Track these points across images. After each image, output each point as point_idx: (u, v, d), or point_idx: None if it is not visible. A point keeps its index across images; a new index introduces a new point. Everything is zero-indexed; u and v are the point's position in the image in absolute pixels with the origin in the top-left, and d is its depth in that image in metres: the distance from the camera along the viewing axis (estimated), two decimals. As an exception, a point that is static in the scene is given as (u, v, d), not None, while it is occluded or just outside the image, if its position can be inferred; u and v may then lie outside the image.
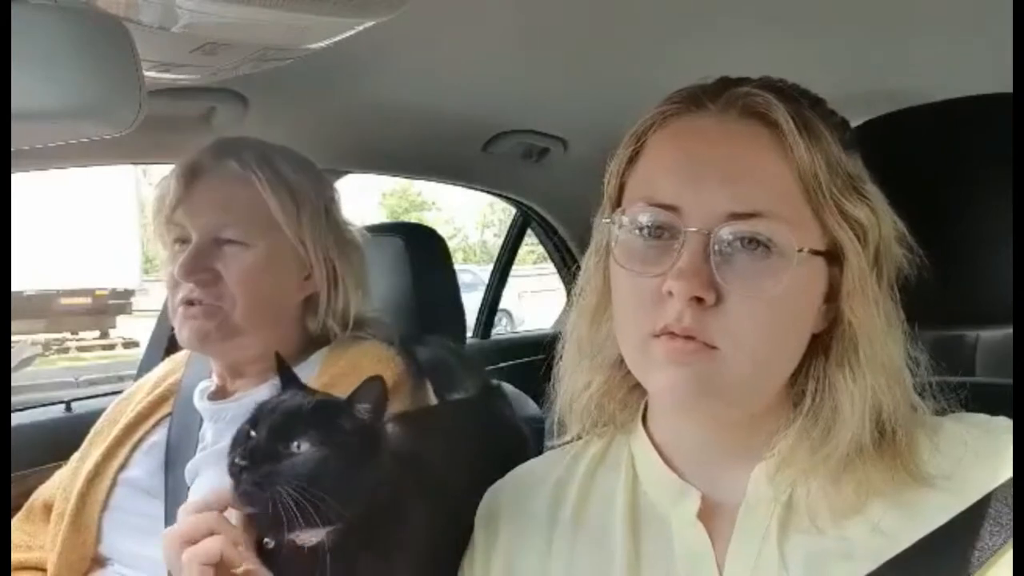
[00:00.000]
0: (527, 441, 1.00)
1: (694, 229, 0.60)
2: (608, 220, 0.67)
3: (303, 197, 1.08)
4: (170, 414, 1.13)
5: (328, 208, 1.12)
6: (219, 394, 1.11)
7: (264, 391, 1.07)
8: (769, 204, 0.60)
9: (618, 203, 0.68)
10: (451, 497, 0.80)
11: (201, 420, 1.09)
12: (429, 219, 18.41)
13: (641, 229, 0.63)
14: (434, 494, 0.80)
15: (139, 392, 1.19)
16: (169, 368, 1.22)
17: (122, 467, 1.09)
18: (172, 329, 1.17)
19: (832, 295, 0.64)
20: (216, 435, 1.06)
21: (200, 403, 1.10)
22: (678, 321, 0.60)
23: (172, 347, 1.28)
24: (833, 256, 0.62)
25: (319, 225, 1.10)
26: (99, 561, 1.05)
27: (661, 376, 0.62)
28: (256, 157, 1.07)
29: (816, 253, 0.61)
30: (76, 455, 1.15)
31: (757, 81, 0.65)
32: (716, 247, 0.60)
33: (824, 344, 0.65)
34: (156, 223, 1.09)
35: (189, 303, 1.04)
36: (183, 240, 1.06)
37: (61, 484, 1.12)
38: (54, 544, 1.06)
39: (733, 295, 0.60)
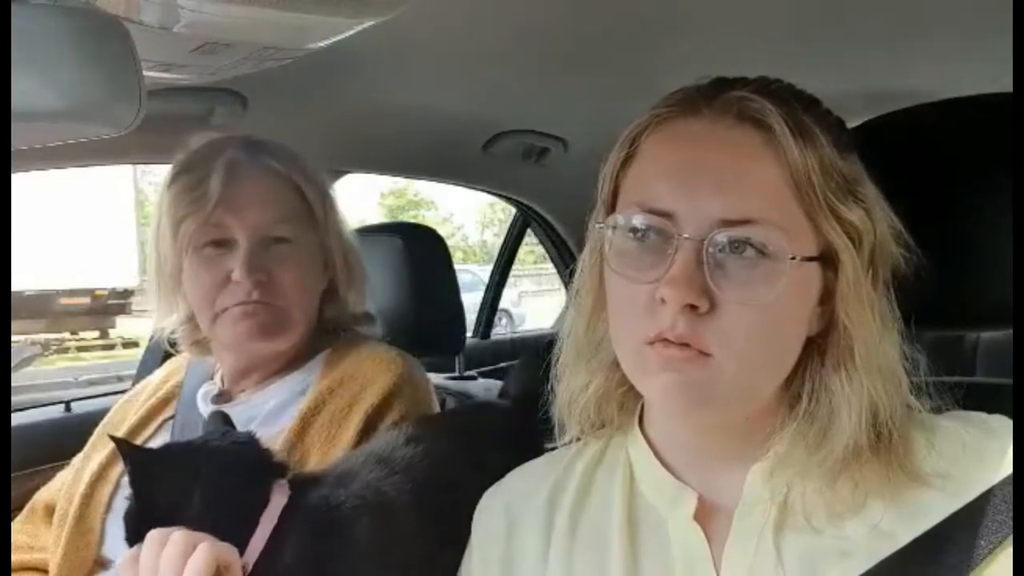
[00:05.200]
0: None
1: (687, 236, 0.60)
2: (602, 225, 0.67)
3: (328, 196, 1.12)
4: (173, 417, 1.13)
5: (335, 203, 1.15)
6: (223, 397, 1.11)
7: (267, 394, 1.08)
8: (762, 210, 0.60)
9: (612, 206, 0.68)
10: (458, 502, 0.80)
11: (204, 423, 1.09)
12: (427, 218, 18.43)
13: (635, 232, 0.63)
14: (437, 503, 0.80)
15: (141, 395, 1.19)
16: (171, 370, 1.21)
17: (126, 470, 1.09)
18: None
19: (826, 298, 0.63)
20: None
21: (204, 406, 1.10)
22: (672, 328, 0.60)
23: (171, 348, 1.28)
24: (827, 260, 0.62)
25: (337, 220, 1.13)
26: (101, 563, 1.05)
27: (656, 383, 0.62)
28: (287, 156, 1.09)
29: (810, 259, 0.61)
30: (78, 457, 1.15)
31: (752, 83, 0.65)
32: (709, 252, 0.60)
33: (819, 347, 0.64)
34: (184, 227, 1.03)
35: (249, 304, 1.02)
36: (220, 242, 1.03)
37: (63, 486, 1.12)
38: (57, 546, 1.06)
39: (726, 302, 0.60)
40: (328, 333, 1.14)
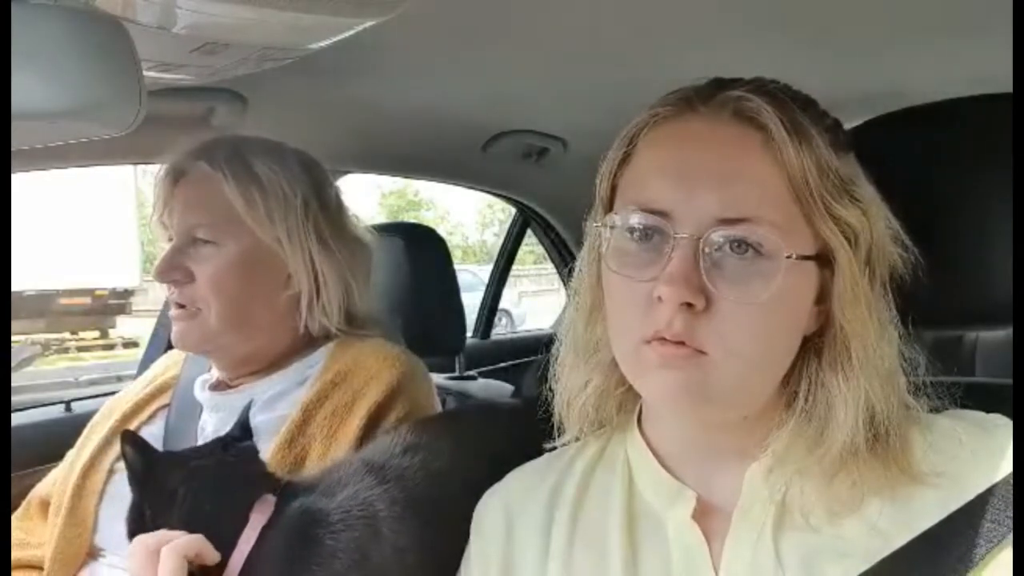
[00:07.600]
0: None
1: (684, 235, 0.60)
2: (599, 224, 0.67)
3: (274, 192, 1.05)
4: (168, 405, 1.13)
5: (309, 202, 1.08)
6: (220, 386, 1.11)
7: (267, 384, 1.08)
8: (759, 209, 0.60)
9: (610, 205, 0.68)
10: (452, 515, 0.79)
11: (200, 411, 1.09)
12: (426, 218, 18.44)
13: (632, 232, 0.63)
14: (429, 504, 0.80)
15: (136, 386, 1.19)
16: (167, 363, 1.22)
17: (119, 457, 1.08)
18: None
19: (823, 297, 0.64)
20: (217, 425, 1.06)
21: (201, 393, 1.10)
22: (669, 327, 0.60)
23: (172, 346, 1.28)
24: (824, 259, 0.62)
25: (295, 220, 1.06)
26: (92, 553, 1.05)
27: (653, 381, 0.63)
28: (228, 154, 1.06)
29: (806, 258, 0.61)
30: (71, 451, 1.15)
31: (749, 83, 0.65)
32: (706, 251, 0.60)
33: (816, 346, 0.65)
34: (154, 225, 1.11)
35: (174, 305, 1.06)
36: (170, 241, 1.07)
37: (57, 480, 1.12)
38: (51, 538, 1.06)
39: (723, 300, 0.60)
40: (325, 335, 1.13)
